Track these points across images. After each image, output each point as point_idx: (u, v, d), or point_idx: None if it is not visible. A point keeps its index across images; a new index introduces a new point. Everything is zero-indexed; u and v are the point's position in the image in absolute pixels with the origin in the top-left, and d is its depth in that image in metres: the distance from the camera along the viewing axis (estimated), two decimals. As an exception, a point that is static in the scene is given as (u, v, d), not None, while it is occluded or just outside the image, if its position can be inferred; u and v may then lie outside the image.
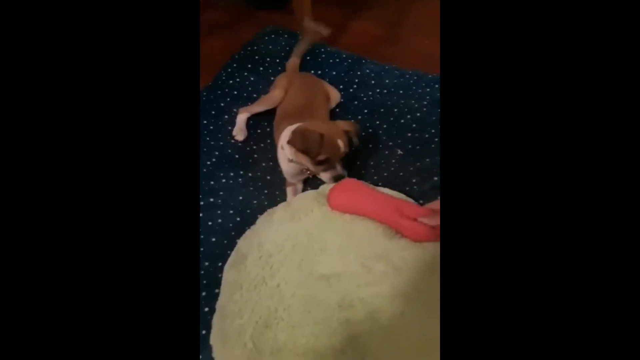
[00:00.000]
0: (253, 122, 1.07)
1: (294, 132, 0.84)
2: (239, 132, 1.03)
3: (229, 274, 0.69)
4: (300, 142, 0.82)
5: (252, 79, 1.16)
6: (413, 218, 0.68)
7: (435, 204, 0.69)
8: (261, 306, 0.60)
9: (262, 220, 0.76)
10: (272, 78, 1.16)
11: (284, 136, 0.88)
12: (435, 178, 0.87)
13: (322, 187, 0.80)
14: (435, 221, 0.66)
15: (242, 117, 1.05)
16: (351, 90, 1.13)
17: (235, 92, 1.13)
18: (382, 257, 0.63)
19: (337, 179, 0.81)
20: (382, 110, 1.07)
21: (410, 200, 0.78)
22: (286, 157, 0.88)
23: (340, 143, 0.82)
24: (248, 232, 0.75)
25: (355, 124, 0.91)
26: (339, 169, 0.83)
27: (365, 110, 1.08)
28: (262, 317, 0.59)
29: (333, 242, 0.66)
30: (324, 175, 0.83)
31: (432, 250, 0.66)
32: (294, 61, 1.14)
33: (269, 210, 0.78)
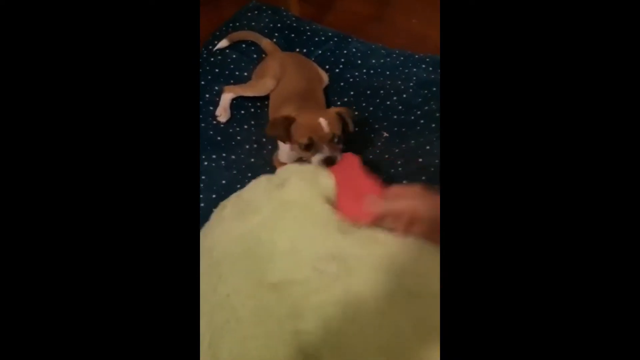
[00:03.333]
0: (236, 102, 1.04)
1: (268, 124, 0.83)
2: (223, 112, 1.00)
3: None
4: (270, 130, 0.81)
5: (234, 56, 1.12)
6: (362, 195, 0.63)
7: (398, 189, 0.61)
8: (215, 316, 0.58)
9: (214, 217, 0.71)
10: (254, 56, 1.13)
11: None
12: (420, 160, 0.87)
13: (277, 171, 0.74)
14: (375, 207, 0.59)
15: (227, 97, 1.02)
16: (337, 70, 1.11)
17: (217, 70, 1.09)
18: (335, 257, 0.60)
19: (327, 162, 0.75)
20: (368, 92, 1.05)
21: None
22: (286, 146, 0.86)
23: (323, 123, 0.77)
24: (202, 231, 0.70)
25: (348, 109, 0.86)
26: (327, 150, 0.76)
27: (352, 92, 1.06)
28: (216, 327, 0.57)
29: (283, 244, 0.62)
30: (314, 159, 0.78)
31: (390, 245, 0.62)
32: (269, 43, 1.11)
33: (221, 203, 0.73)
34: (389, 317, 0.55)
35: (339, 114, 0.81)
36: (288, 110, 0.89)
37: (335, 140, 0.79)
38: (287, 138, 0.79)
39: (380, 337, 0.54)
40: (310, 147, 0.78)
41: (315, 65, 1.07)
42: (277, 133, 0.80)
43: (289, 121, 0.78)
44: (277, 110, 0.94)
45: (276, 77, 0.99)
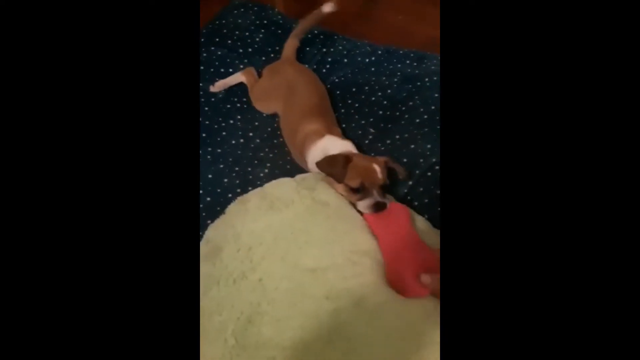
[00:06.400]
0: (222, 96, 1.04)
1: (323, 158, 0.78)
2: (222, 86, 1.01)
3: (202, 267, 0.65)
4: (326, 166, 0.76)
5: (219, 53, 1.12)
6: (416, 275, 0.61)
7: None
8: (242, 301, 0.58)
9: (234, 209, 0.71)
10: (240, 51, 1.12)
11: (315, 149, 0.84)
12: (405, 160, 0.87)
13: (300, 177, 0.76)
14: (431, 284, 0.59)
15: (239, 79, 1.02)
16: (324, 71, 1.10)
17: (202, 67, 1.08)
18: (367, 253, 0.63)
19: (377, 207, 0.71)
20: (353, 89, 1.05)
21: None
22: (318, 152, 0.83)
23: (377, 168, 0.75)
24: (219, 222, 0.71)
25: (392, 159, 0.83)
26: (378, 196, 0.73)
27: (338, 92, 1.05)
28: (244, 312, 0.57)
29: (317, 235, 0.64)
30: (361, 205, 0.73)
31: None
32: (291, 47, 1.05)
33: (240, 198, 0.73)
34: (419, 302, 0.57)
35: (386, 163, 0.79)
36: (314, 125, 0.86)
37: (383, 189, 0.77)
38: (342, 178, 0.74)
39: (409, 319, 0.56)
40: (358, 191, 0.74)
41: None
42: (332, 171, 0.75)
43: (347, 160, 0.75)
44: (297, 125, 0.90)
45: (279, 100, 0.96)
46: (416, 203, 0.80)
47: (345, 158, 0.76)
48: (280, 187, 0.73)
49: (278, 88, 0.97)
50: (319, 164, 0.77)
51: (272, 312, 0.57)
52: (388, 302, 0.57)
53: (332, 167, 0.75)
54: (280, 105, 0.96)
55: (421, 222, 0.73)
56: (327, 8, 1.07)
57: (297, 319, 0.56)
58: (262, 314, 0.56)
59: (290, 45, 1.06)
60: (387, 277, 0.62)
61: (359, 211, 0.73)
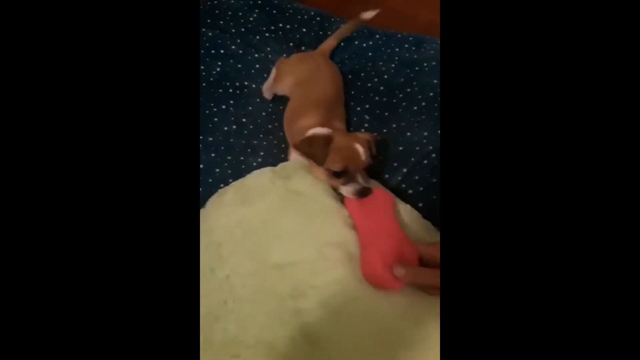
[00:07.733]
0: (213, 79, 1.00)
1: (302, 139, 0.74)
2: (269, 88, 0.99)
3: None
4: (305, 147, 0.72)
5: (210, 34, 1.08)
6: (390, 265, 0.56)
7: (429, 248, 0.59)
8: (209, 298, 0.58)
9: (212, 202, 0.71)
10: (233, 30, 1.08)
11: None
12: (401, 148, 0.85)
13: (280, 165, 0.74)
14: (405, 276, 0.55)
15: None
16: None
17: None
18: (339, 245, 0.61)
19: (360, 193, 0.67)
20: (350, 76, 1.02)
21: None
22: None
23: (360, 149, 0.71)
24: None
25: (374, 136, 0.79)
26: (362, 181, 0.69)
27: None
28: (211, 309, 0.57)
29: (288, 227, 0.62)
30: (344, 190, 0.68)
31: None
32: (328, 45, 1.04)
33: (219, 190, 0.72)
34: (388, 299, 0.55)
35: (368, 143, 0.75)
36: (312, 118, 0.83)
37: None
38: (324, 160, 0.69)
39: (377, 317, 0.54)
40: (341, 175, 0.70)
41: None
42: (312, 152, 0.70)
43: (328, 141, 0.70)
44: (298, 114, 0.87)
45: (298, 83, 0.93)
46: (411, 191, 0.78)
47: (326, 138, 0.71)
48: (256, 179, 0.71)
49: (302, 70, 0.95)
50: (297, 146, 0.73)
51: (238, 310, 0.56)
52: (357, 301, 0.55)
53: (312, 147, 0.71)
54: (293, 87, 0.94)
55: (407, 213, 0.69)
56: (367, 15, 1.06)
57: (260, 317, 0.55)
58: (229, 311, 0.56)
59: (328, 44, 1.05)
60: (360, 267, 0.58)
61: (340, 196, 0.69)
